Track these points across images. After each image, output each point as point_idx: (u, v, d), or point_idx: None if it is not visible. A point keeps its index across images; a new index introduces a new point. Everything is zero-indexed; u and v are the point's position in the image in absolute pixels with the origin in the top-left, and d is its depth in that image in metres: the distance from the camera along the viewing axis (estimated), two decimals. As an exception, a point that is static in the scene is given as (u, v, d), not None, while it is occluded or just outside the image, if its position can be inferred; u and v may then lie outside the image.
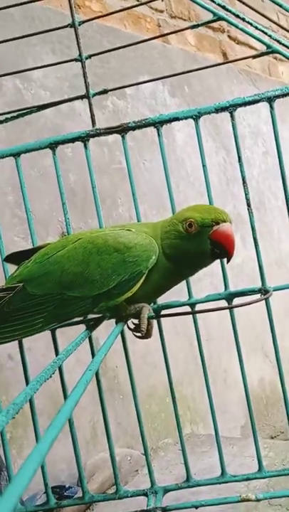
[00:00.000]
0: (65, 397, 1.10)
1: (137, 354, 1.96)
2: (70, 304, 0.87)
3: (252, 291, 1.02)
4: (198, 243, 0.86)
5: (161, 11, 2.66)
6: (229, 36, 3.05)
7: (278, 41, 0.89)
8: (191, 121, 1.02)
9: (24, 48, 1.87)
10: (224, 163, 2.71)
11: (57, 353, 1.10)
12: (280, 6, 1.02)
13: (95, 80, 2.08)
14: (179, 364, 2.03)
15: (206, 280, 2.16)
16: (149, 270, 0.86)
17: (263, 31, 0.90)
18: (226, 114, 1.01)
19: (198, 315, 1.10)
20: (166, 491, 1.07)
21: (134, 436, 1.89)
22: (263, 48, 0.95)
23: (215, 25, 2.95)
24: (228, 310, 1.09)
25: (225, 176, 2.69)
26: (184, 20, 2.77)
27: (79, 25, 0.99)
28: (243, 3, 1.15)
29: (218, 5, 0.89)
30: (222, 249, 0.86)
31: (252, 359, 2.43)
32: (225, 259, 0.92)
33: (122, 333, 1.09)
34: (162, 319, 1.10)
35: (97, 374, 1.11)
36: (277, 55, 3.48)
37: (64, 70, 1.96)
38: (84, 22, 1.00)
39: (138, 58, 2.37)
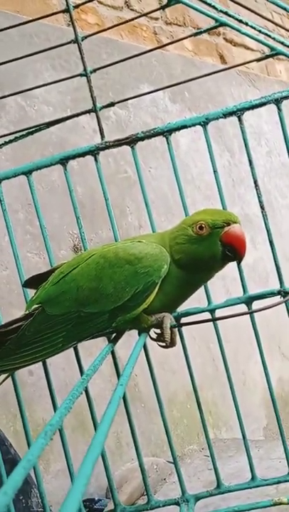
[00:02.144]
0: (91, 409, 1.11)
1: (155, 361, 1.96)
2: (88, 320, 0.87)
3: (271, 294, 1.02)
4: (209, 245, 0.86)
5: (156, 19, 2.68)
6: (225, 39, 3.06)
7: (282, 43, 0.89)
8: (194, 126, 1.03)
9: (24, 65, 1.88)
10: (229, 165, 2.71)
11: (79, 366, 1.11)
12: (276, 4, 1.03)
13: (95, 91, 2.10)
14: (197, 369, 2.02)
15: (218, 283, 2.16)
16: (163, 280, 0.85)
17: (266, 34, 0.90)
18: (229, 118, 1.01)
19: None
20: (197, 498, 1.07)
21: (158, 444, 1.89)
22: (259, 48, 0.95)
23: (210, 28, 2.97)
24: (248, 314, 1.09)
25: (230, 178, 2.69)
26: (180, 26, 2.79)
27: (82, 40, 1.00)
28: (240, 4, 1.15)
29: (221, 11, 0.89)
30: (233, 250, 0.86)
31: (269, 359, 2.42)
32: (237, 262, 0.92)
33: (145, 345, 1.10)
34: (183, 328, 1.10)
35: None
36: (274, 54, 3.49)
37: (65, 84, 1.97)
38: (87, 37, 1.01)
39: (137, 67, 2.38)
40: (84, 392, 1.10)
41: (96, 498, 1.52)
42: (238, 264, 0.92)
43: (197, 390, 1.10)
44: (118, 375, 1.10)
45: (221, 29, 3.03)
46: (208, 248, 0.86)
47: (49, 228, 1.87)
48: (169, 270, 0.86)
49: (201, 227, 0.85)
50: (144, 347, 1.10)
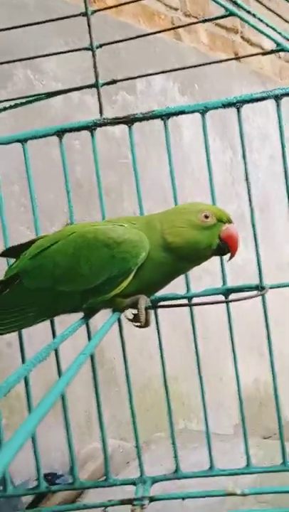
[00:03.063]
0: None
1: (135, 347, 1.97)
2: (60, 298, 0.88)
3: (249, 288, 1.03)
4: (208, 235, 0.88)
5: (176, 9, 2.67)
6: (242, 37, 3.05)
7: (287, 39, 0.89)
8: (199, 118, 1.03)
9: (38, 40, 1.88)
10: (231, 162, 2.71)
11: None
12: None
13: (105, 73, 2.09)
14: (175, 360, 2.04)
15: (207, 278, 2.17)
16: (142, 266, 0.86)
17: (273, 28, 0.90)
18: (235, 113, 1.02)
19: (196, 312, 1.11)
20: (154, 481, 1.09)
21: (128, 428, 1.90)
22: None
23: (228, 25, 2.95)
24: (224, 305, 1.10)
25: (231, 176, 2.70)
26: (198, 18, 2.78)
27: (91, 14, 1.00)
28: (259, 1, 1.15)
29: (231, 1, 0.90)
30: (229, 247, 0.90)
31: (248, 358, 2.44)
32: (225, 257, 0.95)
33: (120, 324, 1.11)
34: (161, 314, 1.11)
35: (93, 364, 1.12)
36: (290, 59, 3.48)
37: (77, 62, 1.97)
38: (96, 11, 1.01)
39: (150, 54, 2.37)
40: (56, 368, 1.11)
41: (59, 473, 1.54)
42: (229, 259, 0.94)
43: (166, 375, 1.11)
44: (92, 355, 1.11)
45: (239, 27, 3.02)
46: (207, 237, 0.88)
47: (44, 204, 1.88)
48: (152, 255, 0.87)
49: (206, 216, 0.87)
50: (121, 330, 1.11)
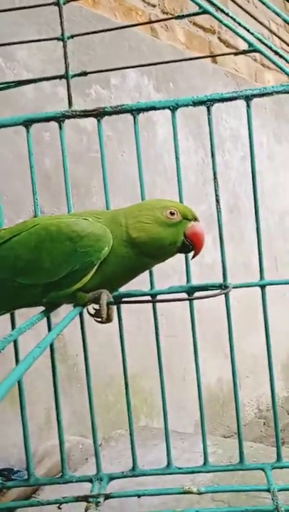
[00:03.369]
0: (19, 382, 1.10)
1: (99, 344, 1.96)
2: (21, 291, 0.86)
3: (213, 286, 1.03)
4: (173, 232, 0.88)
5: (154, 6, 2.66)
6: (219, 38, 3.06)
7: (260, 40, 0.89)
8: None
9: (10, 28, 1.84)
10: (202, 163, 2.72)
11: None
12: (268, 7, 1.03)
13: (79, 66, 2.06)
14: (139, 358, 2.03)
15: (175, 277, 2.17)
16: (105, 262, 0.85)
17: (246, 29, 0.90)
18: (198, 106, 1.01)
19: (163, 310, 1.11)
20: (111, 478, 1.08)
21: (88, 425, 1.89)
22: (252, 53, 0.96)
23: (206, 25, 2.96)
24: (188, 304, 1.10)
25: (202, 176, 2.70)
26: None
27: (64, 3, 0.98)
28: (235, 3, 1.15)
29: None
30: (194, 244, 0.90)
31: (213, 358, 2.45)
32: (189, 255, 0.95)
33: (82, 320, 1.09)
34: (126, 312, 1.11)
35: (52, 359, 1.10)
36: (265, 62, 3.51)
37: (49, 52, 1.94)
38: (69, 1, 0.99)
39: (125, 49, 2.36)
40: (15, 361, 1.09)
41: (15, 469, 1.52)
42: (193, 257, 0.95)
43: (127, 375, 1.10)
44: (52, 351, 1.09)
45: (216, 28, 3.03)
46: (171, 234, 0.88)
47: (10, 196, 1.84)
48: (115, 250, 0.86)
49: (172, 213, 0.87)
50: (83, 326, 1.10)
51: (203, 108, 1.01)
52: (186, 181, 1.07)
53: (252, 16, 1.15)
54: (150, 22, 1.03)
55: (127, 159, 2.24)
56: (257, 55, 3.29)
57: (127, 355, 1.10)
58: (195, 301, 1.07)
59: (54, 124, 1.04)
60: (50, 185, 1.92)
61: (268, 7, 1.05)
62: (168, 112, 1.02)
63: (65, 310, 0.90)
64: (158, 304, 1.11)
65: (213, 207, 2.71)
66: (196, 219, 0.90)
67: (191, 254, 0.94)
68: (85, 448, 1.63)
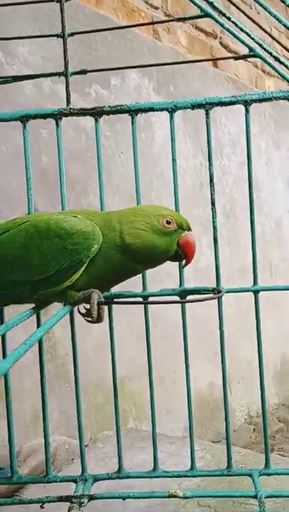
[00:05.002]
0: (5, 376, 1.09)
1: (89, 344, 1.95)
2: (9, 288, 0.85)
3: (206, 290, 1.02)
4: (167, 241, 0.88)
5: (157, 8, 2.66)
6: (221, 43, 3.07)
7: (260, 45, 0.89)
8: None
9: (12, 24, 1.84)
10: (200, 166, 2.72)
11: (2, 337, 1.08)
12: (270, 12, 1.03)
13: (80, 65, 2.06)
14: (130, 360, 2.03)
15: (168, 281, 2.17)
16: (97, 261, 0.85)
17: (248, 34, 0.90)
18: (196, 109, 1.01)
19: (155, 313, 1.10)
20: (95, 479, 1.07)
21: (76, 425, 1.88)
22: (253, 59, 0.95)
23: (208, 29, 2.96)
24: (180, 307, 1.09)
25: (199, 180, 2.70)
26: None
27: (66, 1, 0.98)
28: (241, 11, 1.15)
29: (206, 1, 0.89)
30: (186, 254, 0.91)
31: (205, 363, 2.44)
32: (181, 263, 0.97)
33: (72, 320, 1.09)
34: (117, 314, 1.10)
35: (41, 358, 1.09)
36: (266, 68, 3.52)
37: (50, 50, 1.94)
38: (70, -1, 0.99)
39: (127, 50, 2.36)
40: (2, 357, 1.08)
41: None
42: (184, 266, 0.97)
43: (116, 376, 1.09)
44: (41, 349, 1.08)
45: (218, 33, 3.03)
46: (166, 243, 0.88)
47: (6, 192, 1.83)
48: (106, 253, 0.85)
49: (168, 222, 0.88)
50: (73, 326, 1.09)
51: (202, 112, 1.01)
52: (183, 185, 1.07)
53: (254, 21, 1.15)
54: (152, 23, 1.03)
55: (125, 160, 2.24)
56: (258, 60, 3.30)
57: (118, 357, 1.10)
58: (188, 305, 1.06)
59: (53, 122, 1.04)
60: (47, 182, 1.91)
61: (269, 12, 1.05)
62: (167, 114, 1.02)
63: (57, 309, 0.89)
64: (151, 307, 1.10)
65: (209, 211, 2.71)
66: (189, 229, 0.91)
67: (182, 262, 0.95)
68: (72, 448, 1.62)
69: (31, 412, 1.79)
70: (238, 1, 1.10)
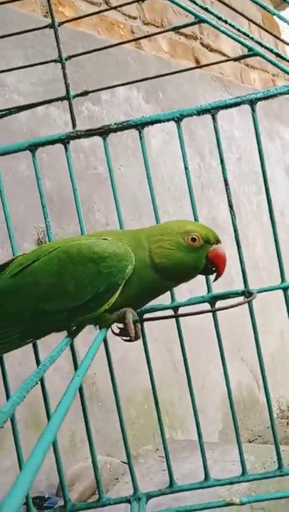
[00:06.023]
0: (46, 404, 1.08)
1: (115, 360, 1.94)
2: (46, 318, 0.84)
3: (235, 294, 1.02)
4: (196, 257, 0.87)
5: (135, 18, 2.67)
6: (202, 43, 3.08)
7: (260, 43, 0.89)
8: (165, 127, 1.03)
9: (-2, 52, 1.85)
10: (199, 168, 2.72)
11: (37, 360, 1.08)
12: (264, 8, 1.03)
13: (71, 84, 2.07)
14: (156, 369, 2.01)
15: (183, 284, 2.16)
16: (131, 280, 0.84)
17: (245, 34, 0.90)
18: (201, 119, 1.01)
19: (179, 318, 1.09)
20: (149, 497, 1.06)
21: (112, 443, 1.87)
22: (235, 54, 0.95)
23: (188, 32, 2.97)
24: (210, 313, 1.08)
25: (200, 181, 2.70)
26: (157, 27, 2.79)
27: (58, 25, 0.98)
28: (228, 5, 1.15)
29: (201, 7, 0.89)
30: (217, 267, 0.90)
31: (229, 363, 2.43)
32: (211, 276, 0.95)
33: (104, 340, 1.08)
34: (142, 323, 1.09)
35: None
36: (249, 62, 3.53)
37: (38, 75, 1.94)
38: (64, 23, 0.99)
39: (112, 64, 2.36)
40: (40, 387, 1.08)
41: (46, 496, 1.49)
42: (215, 280, 0.94)
43: (156, 389, 1.09)
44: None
45: (198, 33, 3.05)
46: (194, 259, 0.87)
47: (13, 220, 1.83)
48: (139, 272, 0.85)
49: (193, 239, 0.86)
50: (105, 345, 1.09)
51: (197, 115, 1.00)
52: (185, 187, 1.07)
53: (246, 17, 1.15)
54: (147, 36, 1.03)
55: (125, 172, 2.24)
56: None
57: (142, 369, 1.08)
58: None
59: (53, 146, 1.04)
60: (52, 206, 1.91)
61: (264, 7, 1.04)
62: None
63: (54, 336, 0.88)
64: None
65: (212, 211, 2.71)
66: (218, 241, 0.89)
67: (212, 275, 0.93)
68: (114, 467, 1.61)
69: (68, 437, 1.78)
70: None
